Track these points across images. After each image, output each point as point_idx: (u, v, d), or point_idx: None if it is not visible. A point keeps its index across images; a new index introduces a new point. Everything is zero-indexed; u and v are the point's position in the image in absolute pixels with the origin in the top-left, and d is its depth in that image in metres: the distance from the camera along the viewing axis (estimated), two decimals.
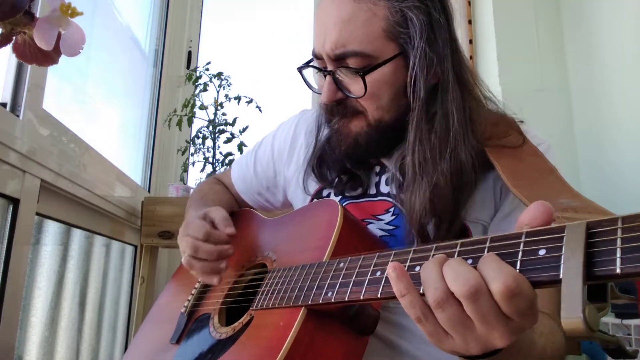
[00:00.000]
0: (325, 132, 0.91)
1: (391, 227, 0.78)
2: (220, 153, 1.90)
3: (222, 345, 0.68)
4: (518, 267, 0.40)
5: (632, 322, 1.37)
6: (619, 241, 0.35)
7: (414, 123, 0.73)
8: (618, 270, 0.34)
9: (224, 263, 0.78)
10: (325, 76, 0.77)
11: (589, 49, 1.94)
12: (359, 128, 0.77)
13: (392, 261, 0.51)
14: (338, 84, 0.76)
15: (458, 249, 0.45)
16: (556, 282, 0.37)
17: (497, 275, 0.39)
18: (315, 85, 0.83)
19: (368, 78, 0.73)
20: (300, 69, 0.83)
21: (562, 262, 0.37)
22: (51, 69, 1.09)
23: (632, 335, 1.37)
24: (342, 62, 0.74)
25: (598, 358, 1.50)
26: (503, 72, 2.04)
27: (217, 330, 0.74)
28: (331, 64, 0.75)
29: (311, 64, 0.81)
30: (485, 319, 0.41)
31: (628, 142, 1.70)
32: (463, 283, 0.40)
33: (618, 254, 0.34)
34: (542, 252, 0.39)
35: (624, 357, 0.40)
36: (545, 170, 0.72)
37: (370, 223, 0.80)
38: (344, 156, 0.81)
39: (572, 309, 0.34)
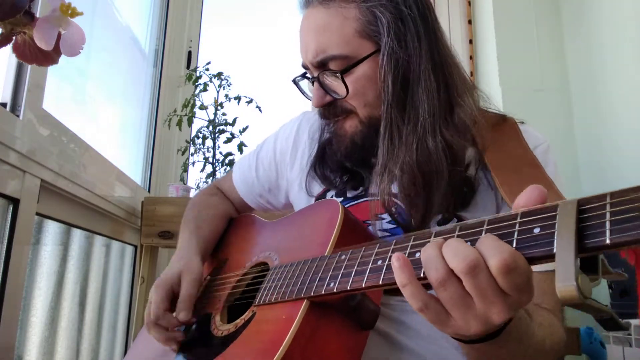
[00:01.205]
0: (326, 135, 0.91)
1: (392, 226, 0.79)
2: (220, 153, 1.90)
3: (224, 341, 0.69)
4: (514, 245, 0.42)
5: (632, 322, 1.37)
6: (607, 215, 0.37)
7: (384, 115, 0.76)
8: (608, 241, 0.36)
9: (174, 346, 0.79)
10: (312, 83, 0.82)
11: (589, 49, 1.94)
12: (353, 127, 0.81)
13: (393, 249, 0.52)
14: (325, 88, 0.80)
15: (457, 232, 0.47)
16: (550, 257, 0.39)
17: (495, 252, 0.41)
18: (310, 94, 0.87)
19: (348, 78, 0.77)
20: (294, 81, 0.89)
21: (555, 238, 0.39)
22: (51, 69, 1.09)
23: (632, 335, 1.37)
24: (324, 67, 0.78)
25: (598, 358, 1.50)
26: (503, 72, 2.04)
27: (218, 328, 0.74)
28: (315, 70, 0.80)
29: (302, 74, 0.86)
30: (484, 294, 0.43)
31: (628, 142, 1.70)
32: (462, 258, 0.42)
33: (607, 226, 0.36)
34: (536, 230, 0.41)
35: (617, 328, 0.42)
36: (544, 186, 0.72)
37: (371, 224, 0.80)
38: (345, 157, 0.83)
39: (565, 278, 0.36)
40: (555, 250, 0.38)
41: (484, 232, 0.44)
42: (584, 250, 0.37)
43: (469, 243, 0.44)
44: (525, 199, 0.44)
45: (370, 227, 0.79)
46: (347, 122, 0.81)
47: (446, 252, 0.44)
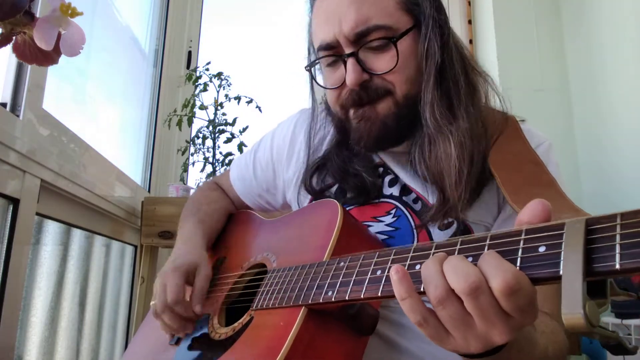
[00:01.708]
0: (327, 135, 0.90)
1: (391, 229, 0.78)
2: (220, 153, 1.90)
3: (222, 346, 0.68)
4: (518, 264, 0.40)
5: (632, 322, 1.37)
6: (618, 237, 0.35)
7: (429, 89, 0.75)
8: (617, 266, 0.34)
9: (182, 333, 0.79)
10: (344, 62, 0.76)
11: (589, 49, 1.94)
12: (386, 110, 0.76)
13: (392, 259, 0.51)
14: (362, 65, 0.75)
15: (458, 246, 0.45)
16: (556, 279, 0.37)
17: (497, 272, 0.40)
18: (323, 83, 0.83)
19: (392, 50, 0.74)
20: (310, 67, 0.83)
21: (561, 259, 0.37)
22: (51, 69, 1.09)
23: (632, 335, 1.37)
24: (364, 41, 0.74)
25: (598, 358, 1.50)
26: (503, 72, 2.04)
27: (216, 331, 0.74)
28: (351, 46, 0.75)
29: (320, 56, 0.80)
30: (485, 315, 0.41)
31: (628, 142, 1.70)
32: (464, 279, 0.41)
33: (617, 250, 0.35)
34: (542, 249, 0.39)
35: (624, 353, 0.40)
36: (546, 183, 0.72)
37: (370, 226, 0.80)
38: (373, 144, 0.79)
39: (572, 305, 0.35)
40: (561, 272, 0.37)
41: (486, 248, 0.43)
42: (592, 274, 0.35)
43: (470, 259, 0.43)
44: (529, 213, 0.42)
45: (369, 229, 0.79)
46: (381, 104, 0.76)
47: (447, 270, 0.43)
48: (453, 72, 0.77)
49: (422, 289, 0.45)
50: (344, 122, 0.82)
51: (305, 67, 0.84)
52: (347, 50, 0.75)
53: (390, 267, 0.50)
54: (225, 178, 1.09)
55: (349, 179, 0.83)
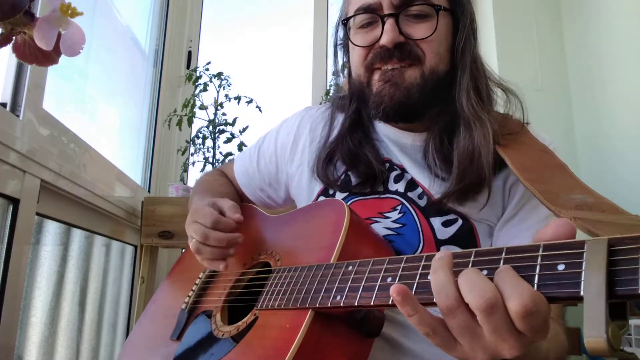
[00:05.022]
0: (334, 129, 0.90)
1: (398, 225, 0.78)
2: (220, 153, 1.90)
3: (225, 345, 0.68)
4: (536, 281, 0.39)
5: (632, 322, 1.37)
6: None
7: (465, 74, 0.79)
8: None
9: (232, 250, 0.78)
10: (383, 23, 0.78)
11: (589, 49, 1.94)
12: (412, 78, 0.78)
13: (403, 267, 0.50)
14: (400, 28, 0.78)
15: (472, 258, 0.44)
16: (575, 299, 0.37)
17: (514, 292, 0.39)
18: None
19: (431, 21, 0.78)
20: (346, 20, 0.84)
21: (582, 279, 0.36)
22: (51, 69, 1.09)
23: (632, 335, 1.37)
24: (407, 6, 0.78)
25: (598, 358, 1.50)
26: (503, 72, 2.03)
27: (219, 329, 0.73)
28: (393, 9, 0.78)
29: (357, 14, 0.82)
30: (497, 331, 0.41)
31: (628, 142, 1.70)
32: (480, 294, 0.40)
33: None
34: (560, 267, 0.38)
35: None
36: (556, 166, 0.73)
37: (377, 222, 0.80)
38: (393, 110, 0.79)
39: (596, 329, 0.34)
40: (582, 293, 0.36)
41: (502, 262, 0.42)
42: (614, 297, 0.35)
43: (485, 272, 0.42)
44: (552, 233, 0.41)
45: (375, 225, 0.79)
46: (409, 71, 0.78)
47: (462, 283, 0.42)
48: (479, 71, 0.82)
49: (432, 300, 0.44)
50: (364, 87, 0.83)
51: (342, 21, 0.86)
52: (388, 12, 0.78)
53: (401, 275, 0.49)
54: (228, 169, 1.09)
55: (359, 165, 0.84)
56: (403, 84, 0.78)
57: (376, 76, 0.80)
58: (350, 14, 0.83)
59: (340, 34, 0.89)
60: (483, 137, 0.75)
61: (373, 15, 0.80)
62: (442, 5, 0.79)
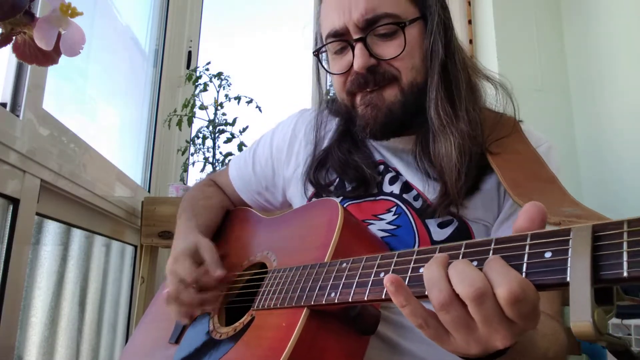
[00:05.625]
0: (328, 132, 0.90)
1: (392, 227, 0.78)
2: (220, 153, 1.90)
3: (223, 346, 0.68)
4: (524, 269, 0.40)
5: (632, 322, 1.37)
6: (625, 244, 0.35)
7: (434, 79, 0.77)
8: (625, 274, 0.34)
9: (199, 311, 0.79)
10: (352, 48, 0.78)
11: (589, 49, 1.94)
12: (392, 97, 0.78)
13: (395, 262, 0.50)
14: (370, 50, 0.77)
15: (463, 250, 0.45)
16: (562, 285, 0.37)
17: (503, 279, 0.40)
18: (330, 68, 0.85)
19: (399, 38, 0.76)
20: (317, 52, 0.85)
21: (569, 265, 0.37)
22: (51, 69, 1.09)
23: (632, 335, 1.37)
24: (372, 27, 0.76)
25: (598, 358, 1.50)
26: (503, 72, 2.03)
27: (217, 330, 0.74)
28: (359, 32, 0.77)
29: (327, 43, 0.82)
30: (488, 321, 0.41)
31: (628, 142, 1.70)
32: (469, 284, 0.41)
33: (625, 258, 0.34)
34: (548, 255, 0.39)
35: (631, 359, 0.40)
36: (547, 179, 0.72)
37: (371, 224, 0.80)
38: (379, 130, 0.80)
39: (581, 313, 0.35)
40: (569, 279, 0.37)
41: (491, 252, 0.43)
42: (599, 281, 0.35)
43: (475, 263, 0.43)
44: (527, 219, 0.42)
45: (370, 227, 0.79)
46: (387, 90, 0.78)
47: (452, 275, 0.42)
48: (455, 71, 0.79)
49: (424, 293, 0.44)
50: (350, 109, 0.84)
51: (313, 52, 0.87)
52: (356, 36, 0.77)
53: (393, 269, 0.50)
54: (223, 176, 1.09)
55: (349, 171, 0.84)
56: (383, 104, 0.78)
57: (358, 99, 0.81)
58: (324, 36, 0.83)
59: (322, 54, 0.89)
60: (446, 154, 0.74)
61: (341, 42, 0.80)
62: (408, 19, 0.77)
